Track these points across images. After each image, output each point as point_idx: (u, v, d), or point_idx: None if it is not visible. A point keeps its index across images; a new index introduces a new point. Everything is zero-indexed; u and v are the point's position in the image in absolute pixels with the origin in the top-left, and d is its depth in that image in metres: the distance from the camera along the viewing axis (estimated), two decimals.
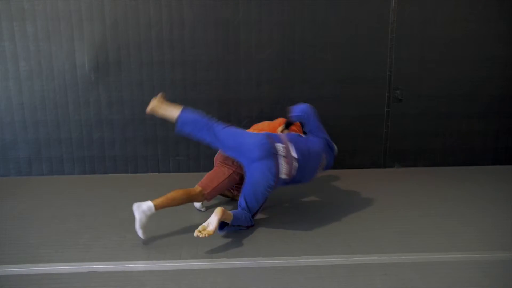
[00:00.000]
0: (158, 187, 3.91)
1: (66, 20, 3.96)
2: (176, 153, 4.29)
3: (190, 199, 2.98)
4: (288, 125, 3.18)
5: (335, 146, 3.28)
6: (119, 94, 4.13)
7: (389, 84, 4.26)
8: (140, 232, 2.73)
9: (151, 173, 4.31)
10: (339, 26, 4.12)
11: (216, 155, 3.37)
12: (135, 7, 3.97)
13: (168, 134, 4.23)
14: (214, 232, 2.57)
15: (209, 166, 4.31)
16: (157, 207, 2.74)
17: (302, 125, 3.23)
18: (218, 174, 3.19)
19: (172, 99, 4.14)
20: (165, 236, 2.88)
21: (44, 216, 3.26)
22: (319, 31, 4.11)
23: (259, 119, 4.25)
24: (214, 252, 2.67)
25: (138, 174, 4.29)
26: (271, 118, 4.24)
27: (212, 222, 2.58)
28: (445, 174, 4.21)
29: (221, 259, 2.58)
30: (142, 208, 2.71)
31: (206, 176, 3.20)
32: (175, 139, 4.25)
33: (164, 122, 4.20)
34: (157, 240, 2.83)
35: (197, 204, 3.33)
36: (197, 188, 3.06)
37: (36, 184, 4.01)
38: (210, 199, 3.16)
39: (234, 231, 2.88)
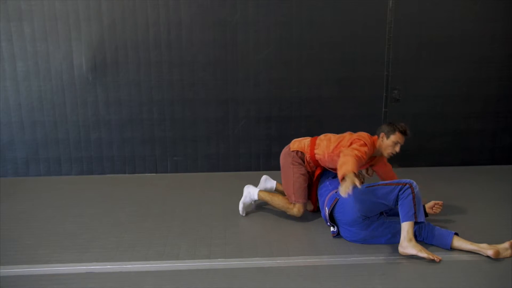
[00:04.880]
0: (156, 187, 3.92)
1: (64, 20, 3.96)
2: (173, 153, 4.29)
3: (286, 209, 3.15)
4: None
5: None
6: (117, 94, 4.12)
7: (387, 84, 4.27)
8: (241, 210, 3.23)
9: (149, 174, 4.30)
10: (337, 26, 4.12)
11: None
12: (132, 7, 3.96)
13: (165, 134, 4.23)
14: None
15: (206, 166, 4.34)
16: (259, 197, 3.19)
17: None
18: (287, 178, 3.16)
19: (169, 100, 4.19)
20: (163, 237, 2.88)
21: (42, 216, 3.25)
22: (316, 31, 4.12)
23: (257, 119, 4.27)
24: (212, 252, 2.67)
25: (136, 174, 4.29)
26: (268, 118, 4.27)
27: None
28: (442, 174, 4.21)
29: (219, 259, 2.58)
30: (251, 196, 3.20)
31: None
32: (173, 139, 4.25)
33: (161, 122, 4.21)
34: (155, 240, 2.83)
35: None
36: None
37: (34, 185, 4.00)
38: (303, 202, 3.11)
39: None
